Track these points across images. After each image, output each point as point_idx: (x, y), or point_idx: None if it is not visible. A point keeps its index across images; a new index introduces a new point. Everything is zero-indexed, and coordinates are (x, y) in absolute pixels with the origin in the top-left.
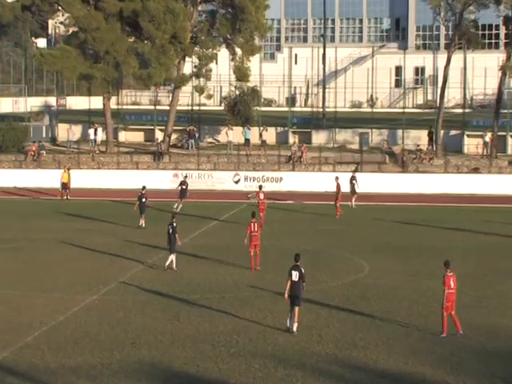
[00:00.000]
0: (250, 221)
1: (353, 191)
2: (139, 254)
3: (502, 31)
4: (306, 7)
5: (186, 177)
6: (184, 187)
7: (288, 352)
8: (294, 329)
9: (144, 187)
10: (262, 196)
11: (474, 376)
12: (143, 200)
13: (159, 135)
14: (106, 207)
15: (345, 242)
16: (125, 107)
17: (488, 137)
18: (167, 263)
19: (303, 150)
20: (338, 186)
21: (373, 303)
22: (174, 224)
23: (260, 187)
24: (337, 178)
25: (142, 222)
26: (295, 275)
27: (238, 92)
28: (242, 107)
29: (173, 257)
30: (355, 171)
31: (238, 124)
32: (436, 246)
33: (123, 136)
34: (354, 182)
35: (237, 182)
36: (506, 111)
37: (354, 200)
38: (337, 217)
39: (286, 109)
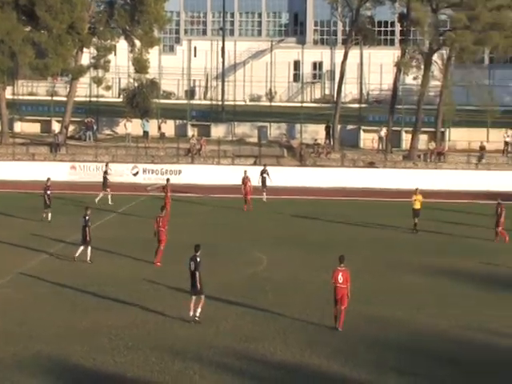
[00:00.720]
0: (157, 215)
1: (263, 185)
2: (41, 246)
3: (398, 28)
4: (205, 0)
5: (106, 165)
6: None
7: (186, 345)
8: (197, 313)
9: (49, 179)
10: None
11: (368, 367)
12: (48, 192)
13: (56, 126)
14: (2, 199)
15: (244, 235)
16: (21, 98)
17: (383, 132)
18: (77, 254)
19: (202, 142)
20: (246, 180)
21: (270, 296)
22: (87, 217)
23: (167, 180)
24: (245, 172)
25: (47, 215)
26: (192, 265)
27: (136, 84)
28: (140, 99)
29: (84, 248)
30: (266, 165)
31: (136, 116)
32: (334, 240)
33: (19, 127)
34: (264, 175)
35: (135, 175)
36: (400, 107)
37: (265, 194)
38: (245, 209)
39: (185, 101)
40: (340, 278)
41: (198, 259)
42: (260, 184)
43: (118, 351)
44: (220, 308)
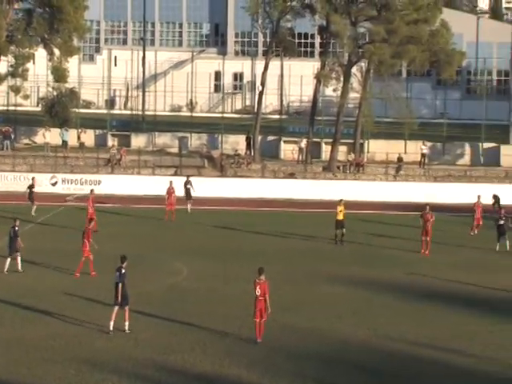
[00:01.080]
0: (86, 226)
1: (188, 196)
2: None
3: (318, 40)
4: (125, 10)
5: (188, 177)
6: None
7: (104, 356)
8: (126, 327)
9: None
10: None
11: (288, 377)
12: None
13: None
14: None
15: (165, 245)
16: None
17: (303, 143)
18: (6, 267)
19: (122, 152)
20: (171, 190)
21: (190, 307)
22: (17, 228)
23: (92, 191)
24: (171, 183)
25: None
26: (117, 276)
27: (55, 93)
28: (59, 108)
29: (10, 260)
30: (189, 176)
31: (55, 125)
32: (254, 250)
33: None
34: (188, 186)
35: (54, 185)
36: (320, 118)
37: (190, 205)
38: (166, 219)
39: (105, 111)
40: (258, 290)
41: (123, 270)
42: (184, 195)
43: (36, 363)
44: (139, 319)
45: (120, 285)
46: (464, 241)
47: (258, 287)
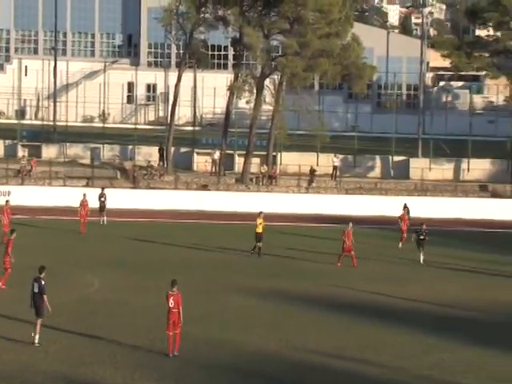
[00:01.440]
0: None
1: (102, 208)
2: None
3: (231, 52)
4: (36, 19)
5: (102, 190)
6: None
7: (13, 370)
8: (36, 340)
9: None
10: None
11: None
12: None
13: None
14: None
15: (77, 257)
16: None
17: (216, 155)
18: None
19: (33, 163)
20: (85, 202)
21: (101, 319)
22: None
23: (7, 202)
24: (85, 195)
25: None
26: (36, 287)
27: None
28: None
29: None
30: (103, 188)
31: None
32: (166, 262)
33: None
34: (102, 199)
35: None
36: (233, 130)
37: (104, 217)
38: (81, 232)
39: (15, 121)
40: (171, 302)
41: (43, 282)
42: (98, 207)
43: None
44: (49, 331)
45: (44, 296)
46: (376, 253)
47: (171, 299)
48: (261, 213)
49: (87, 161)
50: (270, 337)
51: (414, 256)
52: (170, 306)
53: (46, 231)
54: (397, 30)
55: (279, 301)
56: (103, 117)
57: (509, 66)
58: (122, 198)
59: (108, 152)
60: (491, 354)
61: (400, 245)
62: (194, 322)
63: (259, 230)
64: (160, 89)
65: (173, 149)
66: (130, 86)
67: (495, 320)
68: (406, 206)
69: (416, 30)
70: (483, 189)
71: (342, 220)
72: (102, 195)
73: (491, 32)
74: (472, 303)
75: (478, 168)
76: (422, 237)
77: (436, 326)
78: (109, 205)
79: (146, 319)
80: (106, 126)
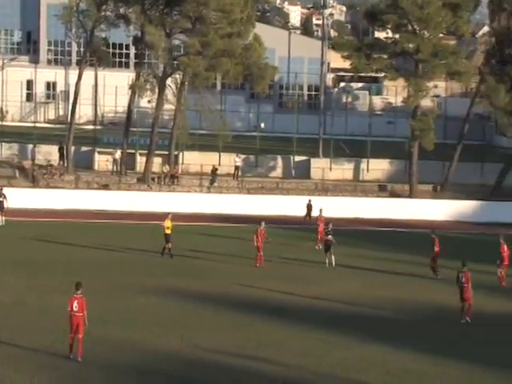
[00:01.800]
0: None
1: (1, 208)
2: None
3: (132, 51)
4: None
5: (1, 189)
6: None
7: None
8: None
9: None
10: None
11: None
12: None
13: None
14: None
15: None
16: None
17: (118, 154)
18: None
19: None
20: None
21: None
22: None
23: None
24: None
25: None
26: None
27: None
28: None
29: None
30: (2, 188)
31: None
32: (66, 262)
33: None
34: (1, 198)
35: None
36: (135, 129)
37: (3, 217)
38: None
39: None
40: (75, 305)
41: None
42: None
43: None
44: None
45: None
46: (277, 252)
47: (75, 302)
48: (169, 214)
49: None
50: (170, 336)
51: (315, 256)
52: (74, 309)
53: None
54: (298, 31)
55: (181, 300)
56: (1, 115)
57: (407, 67)
58: (20, 198)
59: (6, 151)
60: (391, 351)
61: (318, 247)
62: (94, 323)
63: (168, 231)
64: (60, 87)
65: (73, 148)
66: (29, 84)
67: (394, 317)
68: (309, 205)
69: (317, 31)
70: (382, 189)
71: (245, 220)
72: (0, 195)
73: (390, 34)
74: (372, 301)
75: (377, 168)
76: (329, 236)
77: (336, 323)
78: (8, 204)
79: (46, 320)
80: (4, 124)
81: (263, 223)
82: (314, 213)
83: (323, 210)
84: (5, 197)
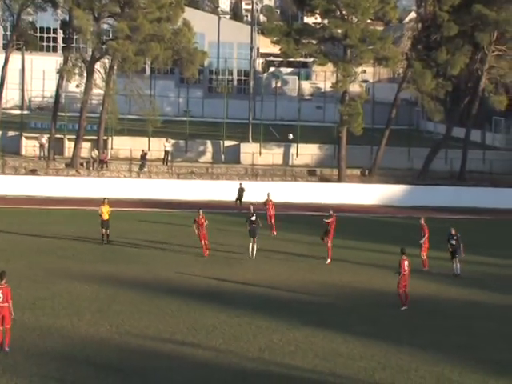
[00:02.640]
0: None
1: None
2: None
3: (60, 35)
4: None
5: None
6: None
7: None
8: None
9: None
10: None
11: (27, 377)
12: None
13: None
14: None
15: None
16: None
17: (45, 139)
18: None
19: None
20: None
21: None
22: None
23: None
24: None
25: None
26: None
27: None
28: None
29: None
30: None
31: None
32: None
33: None
34: None
35: None
36: (63, 114)
37: None
38: None
39: None
40: (0, 295)
41: None
42: None
43: None
44: None
45: None
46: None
47: (0, 292)
48: (105, 199)
49: None
50: (100, 323)
51: (243, 241)
52: None
53: None
54: (228, 16)
55: (111, 286)
56: None
57: (335, 53)
58: None
59: None
60: (318, 335)
61: (275, 232)
62: (21, 309)
63: (105, 216)
64: None
65: (0, 133)
66: None
67: (323, 301)
68: (241, 189)
69: (247, 16)
70: (311, 173)
71: (175, 205)
72: None
73: (319, 19)
74: (300, 285)
75: (307, 153)
76: (252, 220)
77: (265, 308)
78: None
79: None
80: None
81: (201, 211)
82: (248, 197)
83: (271, 193)
84: None
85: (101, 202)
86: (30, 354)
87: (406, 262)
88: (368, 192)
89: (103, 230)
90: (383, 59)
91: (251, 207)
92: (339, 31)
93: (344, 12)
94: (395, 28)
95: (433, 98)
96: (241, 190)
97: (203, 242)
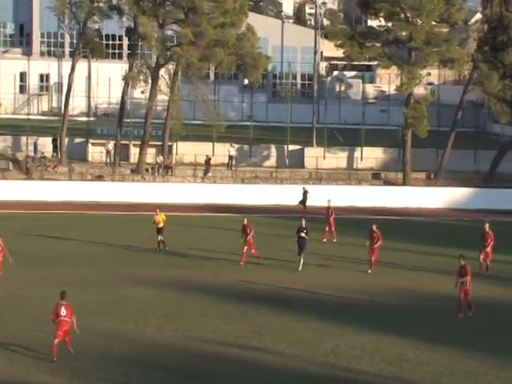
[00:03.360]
0: None
1: None
2: None
3: (126, 42)
4: None
5: None
6: None
7: None
8: None
9: None
10: None
11: (95, 381)
12: None
13: None
14: None
15: None
16: None
17: (111, 145)
18: None
19: None
20: None
21: None
22: None
23: None
24: None
25: None
26: None
27: None
28: None
29: None
30: None
31: None
32: (61, 254)
33: None
34: None
35: None
36: (129, 120)
37: None
38: None
39: None
40: (63, 311)
41: None
42: None
43: None
44: None
45: None
46: (271, 242)
47: (63, 308)
48: (156, 209)
49: None
50: (166, 327)
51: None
52: (63, 314)
53: None
54: (291, 20)
55: (177, 291)
56: None
57: (400, 55)
58: (14, 190)
59: (0, 143)
60: (384, 339)
61: (325, 239)
62: (90, 314)
63: (161, 225)
64: (53, 79)
65: (67, 139)
66: (23, 76)
67: (388, 306)
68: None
69: (310, 20)
70: (376, 177)
71: (239, 210)
72: None
73: (383, 22)
74: (364, 290)
75: (371, 156)
76: (302, 234)
77: (330, 312)
78: (2, 197)
79: (40, 312)
80: None
81: (246, 218)
82: (312, 201)
83: (331, 200)
84: None
85: (154, 211)
86: (97, 358)
87: (464, 270)
88: (433, 195)
89: (159, 237)
90: (448, 61)
91: (303, 221)
92: (403, 34)
93: (408, 14)
94: (461, 29)
95: (499, 100)
96: (305, 193)
97: (246, 249)
